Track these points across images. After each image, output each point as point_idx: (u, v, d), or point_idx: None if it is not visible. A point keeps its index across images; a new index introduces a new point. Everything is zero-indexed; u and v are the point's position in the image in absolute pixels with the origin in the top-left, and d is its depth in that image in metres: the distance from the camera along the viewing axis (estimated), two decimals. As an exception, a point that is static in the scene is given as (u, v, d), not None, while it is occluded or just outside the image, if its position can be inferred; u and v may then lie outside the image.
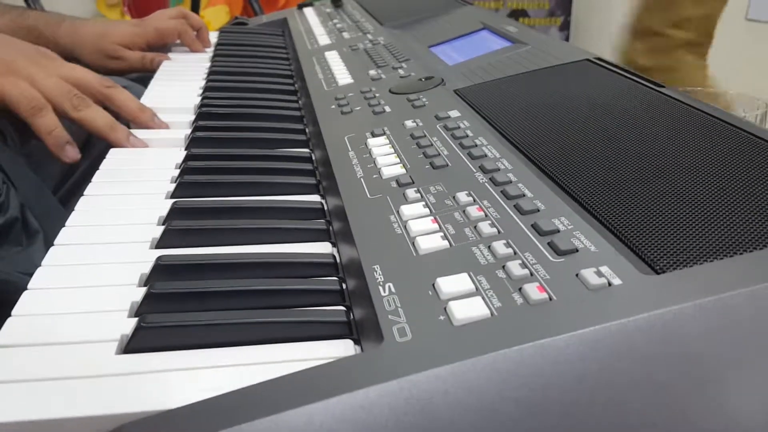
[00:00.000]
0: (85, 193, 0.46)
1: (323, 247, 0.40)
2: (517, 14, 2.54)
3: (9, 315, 0.32)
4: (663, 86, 0.49)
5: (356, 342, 0.32)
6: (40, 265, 0.37)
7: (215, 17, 2.32)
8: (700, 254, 0.29)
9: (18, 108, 0.53)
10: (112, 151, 0.54)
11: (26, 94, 0.53)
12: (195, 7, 1.87)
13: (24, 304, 0.33)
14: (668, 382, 0.26)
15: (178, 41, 0.89)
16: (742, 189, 0.34)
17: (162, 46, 0.88)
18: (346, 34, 0.86)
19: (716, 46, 1.28)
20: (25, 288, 0.34)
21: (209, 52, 0.89)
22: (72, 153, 0.56)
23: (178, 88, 0.72)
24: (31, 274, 0.36)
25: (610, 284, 0.28)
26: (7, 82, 0.53)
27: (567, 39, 2.53)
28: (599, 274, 0.29)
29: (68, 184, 0.75)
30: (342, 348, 0.31)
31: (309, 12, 1.06)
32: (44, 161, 0.73)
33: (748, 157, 0.37)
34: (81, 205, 0.44)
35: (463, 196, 0.38)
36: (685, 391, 0.26)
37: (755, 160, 0.36)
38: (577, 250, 0.31)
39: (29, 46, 0.58)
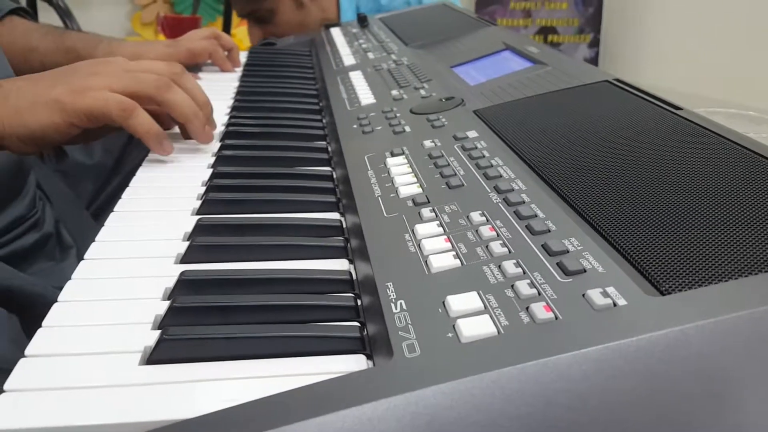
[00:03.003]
0: (115, 209, 0.48)
1: (340, 264, 0.42)
2: (546, 31, 2.54)
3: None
4: (680, 108, 0.50)
5: (369, 357, 0.33)
6: (71, 279, 0.39)
7: (246, 36, 2.36)
8: (705, 276, 0.29)
9: (110, 117, 0.53)
10: (142, 168, 0.56)
11: (111, 100, 0.52)
12: (227, 27, 1.92)
13: (54, 316, 0.35)
14: (670, 401, 0.26)
15: (210, 61, 0.92)
16: (751, 212, 0.34)
17: (193, 66, 0.91)
18: (371, 54, 0.88)
19: (739, 61, 1.26)
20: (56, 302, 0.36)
21: (239, 71, 0.91)
22: (169, 147, 0.56)
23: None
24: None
25: (615, 305, 0.29)
26: (89, 98, 0.52)
27: (596, 56, 2.52)
28: (605, 294, 0.30)
29: (101, 199, 0.78)
30: (355, 363, 0.32)
31: (336, 32, 1.08)
32: (79, 177, 0.76)
33: (760, 180, 0.37)
34: (111, 220, 0.46)
35: (476, 216, 0.39)
36: (686, 410, 0.26)
37: (766, 184, 0.36)
38: (585, 271, 0.32)
39: (86, 62, 0.58)
